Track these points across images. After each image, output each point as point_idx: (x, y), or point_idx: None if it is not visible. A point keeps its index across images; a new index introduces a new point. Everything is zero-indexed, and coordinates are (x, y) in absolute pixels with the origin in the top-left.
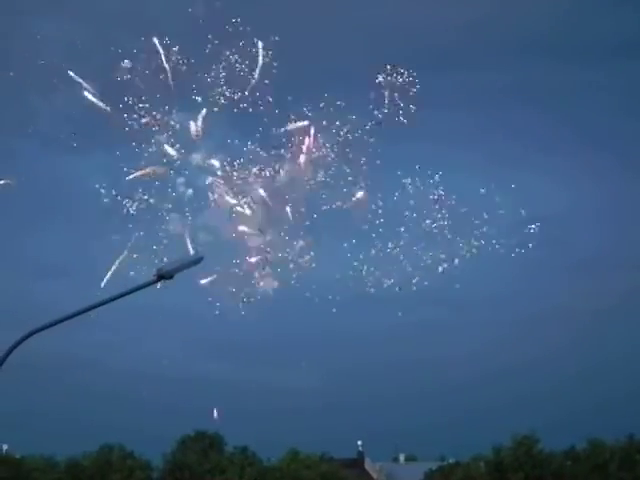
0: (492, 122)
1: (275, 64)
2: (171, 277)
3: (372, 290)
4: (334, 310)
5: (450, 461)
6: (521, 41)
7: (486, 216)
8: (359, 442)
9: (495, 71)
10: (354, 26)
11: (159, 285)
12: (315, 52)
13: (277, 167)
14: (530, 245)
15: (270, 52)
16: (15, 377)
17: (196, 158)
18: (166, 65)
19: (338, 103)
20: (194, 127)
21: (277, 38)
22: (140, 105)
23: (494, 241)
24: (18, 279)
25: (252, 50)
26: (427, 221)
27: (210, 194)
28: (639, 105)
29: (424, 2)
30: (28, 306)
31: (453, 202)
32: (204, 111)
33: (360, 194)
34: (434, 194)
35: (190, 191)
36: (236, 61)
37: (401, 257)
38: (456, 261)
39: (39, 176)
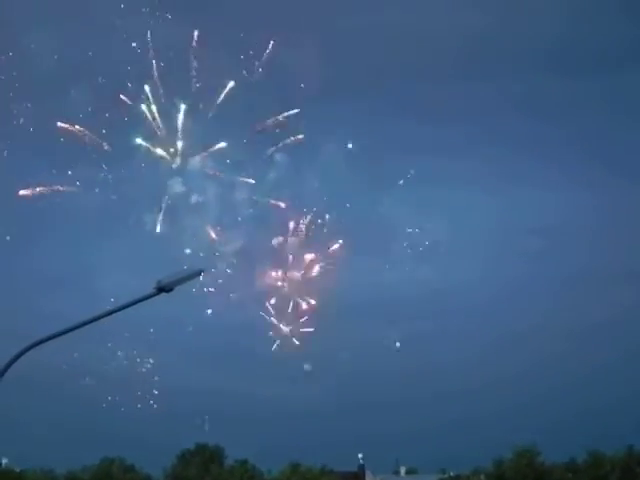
0: (493, 134)
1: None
2: (171, 290)
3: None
4: None
5: (451, 474)
6: (523, 53)
7: (484, 227)
8: (360, 455)
9: (495, 83)
10: (365, 32)
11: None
12: (326, 57)
13: None
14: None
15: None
16: (16, 389)
17: None
18: None
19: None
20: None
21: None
22: None
23: (490, 253)
24: (23, 291)
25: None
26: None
27: None
28: (636, 117)
29: (429, 12)
30: (32, 317)
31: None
32: None
33: None
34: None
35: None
36: None
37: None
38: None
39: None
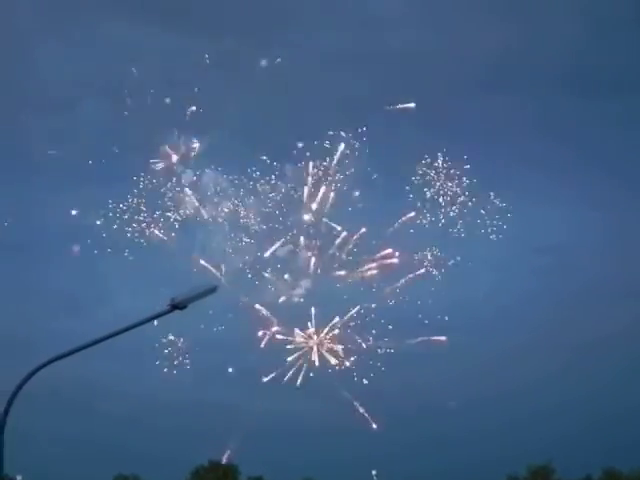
0: (510, 152)
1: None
2: (185, 307)
3: None
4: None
5: None
6: (541, 72)
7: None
8: (373, 472)
9: (511, 100)
10: (382, 53)
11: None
12: (341, 80)
13: None
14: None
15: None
16: (29, 406)
17: None
18: None
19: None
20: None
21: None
22: None
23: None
24: (40, 310)
25: None
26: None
27: None
28: None
29: (449, 29)
30: (46, 335)
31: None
32: None
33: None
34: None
35: None
36: None
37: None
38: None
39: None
